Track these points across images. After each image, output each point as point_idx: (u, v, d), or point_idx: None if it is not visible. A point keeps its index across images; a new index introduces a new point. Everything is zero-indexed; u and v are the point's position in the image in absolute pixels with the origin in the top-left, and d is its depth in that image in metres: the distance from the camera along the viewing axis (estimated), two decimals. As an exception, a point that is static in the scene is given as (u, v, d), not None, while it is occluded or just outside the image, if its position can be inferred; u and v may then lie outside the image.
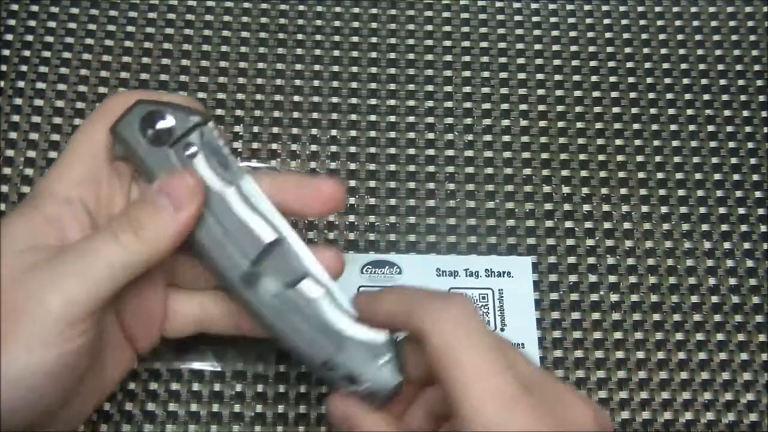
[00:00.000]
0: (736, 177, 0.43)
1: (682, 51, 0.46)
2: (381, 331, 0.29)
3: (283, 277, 0.30)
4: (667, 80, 0.45)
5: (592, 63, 0.45)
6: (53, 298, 0.26)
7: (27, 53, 0.43)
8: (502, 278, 0.40)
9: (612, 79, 0.45)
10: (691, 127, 0.44)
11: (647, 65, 0.45)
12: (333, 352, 0.29)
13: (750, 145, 0.44)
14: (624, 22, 0.46)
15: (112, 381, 0.32)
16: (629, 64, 0.45)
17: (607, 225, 0.42)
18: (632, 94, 0.45)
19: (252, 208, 0.30)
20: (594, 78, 0.45)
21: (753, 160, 0.43)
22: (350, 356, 0.29)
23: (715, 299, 0.41)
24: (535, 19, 0.46)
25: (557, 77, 0.45)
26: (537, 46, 0.45)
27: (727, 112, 0.44)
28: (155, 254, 0.28)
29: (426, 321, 0.26)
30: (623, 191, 0.42)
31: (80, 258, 0.27)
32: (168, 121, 0.29)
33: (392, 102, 0.44)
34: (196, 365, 0.37)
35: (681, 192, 0.42)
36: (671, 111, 0.44)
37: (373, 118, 0.43)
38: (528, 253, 0.41)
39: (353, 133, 0.43)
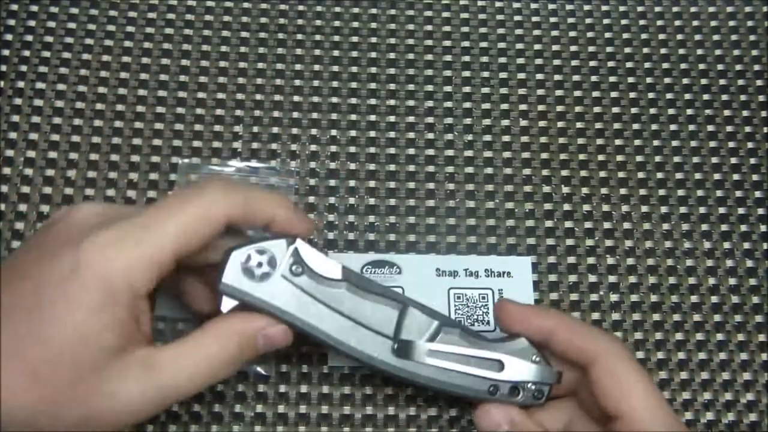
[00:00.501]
0: (735, 177, 0.43)
1: (681, 51, 0.46)
2: (516, 335, 0.33)
3: (425, 335, 0.33)
4: (667, 80, 0.45)
5: (592, 63, 0.45)
6: (120, 399, 0.28)
7: (27, 53, 0.43)
8: (501, 278, 0.40)
9: (611, 79, 0.45)
10: (691, 127, 0.44)
11: (647, 65, 0.45)
12: (496, 375, 0.33)
13: (750, 144, 0.44)
14: (623, 22, 0.46)
15: None
16: (629, 64, 0.45)
17: (606, 225, 0.42)
18: (632, 94, 0.45)
19: (365, 290, 0.33)
20: (593, 78, 0.45)
21: (753, 160, 0.43)
22: (512, 371, 0.33)
23: (714, 299, 0.41)
24: (534, 19, 0.46)
25: (557, 77, 0.45)
26: (536, 46, 0.45)
27: (726, 112, 0.44)
28: (228, 374, 0.31)
29: (599, 343, 0.32)
30: (623, 191, 0.42)
31: (170, 375, 0.29)
32: (266, 254, 0.31)
33: (392, 102, 0.44)
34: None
35: (681, 192, 0.42)
36: (671, 111, 0.44)
37: (372, 118, 0.43)
38: (528, 253, 0.41)
39: (353, 133, 0.43)
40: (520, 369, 0.33)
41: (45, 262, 0.27)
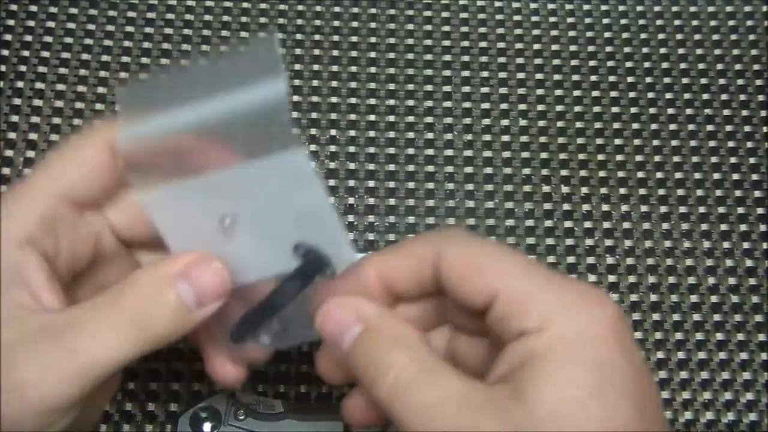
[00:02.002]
0: (735, 176, 0.43)
1: (681, 50, 0.46)
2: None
3: None
4: (666, 80, 0.45)
5: (591, 63, 0.45)
6: (35, 390, 0.23)
7: (26, 53, 0.43)
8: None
9: (611, 78, 0.45)
10: (691, 127, 0.44)
11: (646, 65, 0.45)
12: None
13: (749, 144, 0.44)
14: (623, 21, 0.46)
15: (102, 407, 0.32)
16: (628, 64, 0.45)
17: (606, 225, 0.42)
18: (631, 94, 0.45)
19: (306, 413, 0.35)
20: (593, 78, 0.45)
21: (752, 160, 0.43)
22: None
23: (714, 299, 0.40)
24: (534, 18, 0.46)
25: (556, 77, 0.45)
26: (536, 46, 0.45)
27: (726, 112, 0.44)
28: (159, 346, 0.24)
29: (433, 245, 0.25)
30: (622, 191, 0.42)
31: (67, 349, 0.23)
32: (209, 410, 0.34)
33: (391, 102, 0.44)
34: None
35: (680, 191, 0.42)
36: (670, 110, 0.44)
37: (372, 117, 0.43)
38: (527, 252, 0.41)
39: (352, 132, 0.43)
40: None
41: None
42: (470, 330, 0.26)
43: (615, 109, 0.44)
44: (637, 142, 0.43)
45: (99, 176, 0.26)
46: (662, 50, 0.46)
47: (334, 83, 0.44)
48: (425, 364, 0.23)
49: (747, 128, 0.44)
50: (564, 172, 0.43)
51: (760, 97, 0.45)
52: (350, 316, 0.24)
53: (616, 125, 0.44)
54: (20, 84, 0.42)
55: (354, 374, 0.24)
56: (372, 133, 0.43)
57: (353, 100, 0.43)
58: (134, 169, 0.25)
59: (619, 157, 0.43)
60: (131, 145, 0.25)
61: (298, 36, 0.45)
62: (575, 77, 0.45)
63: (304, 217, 0.25)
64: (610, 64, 0.45)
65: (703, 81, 0.45)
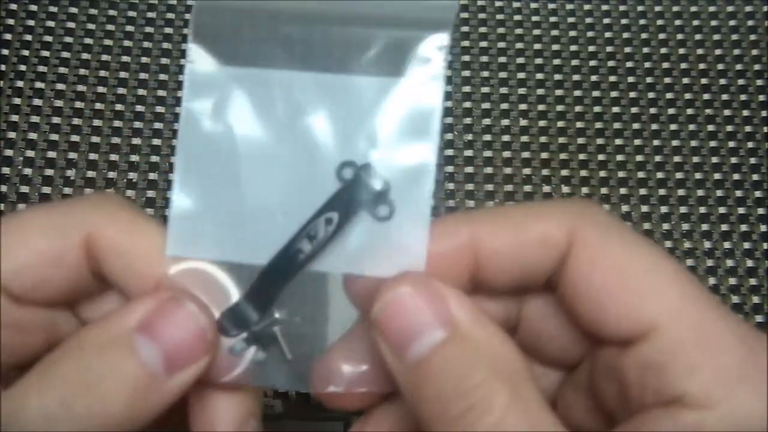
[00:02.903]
0: (735, 176, 0.43)
1: (681, 50, 0.46)
2: None
3: None
4: (667, 80, 0.45)
5: (592, 63, 0.45)
6: None
7: (26, 53, 0.43)
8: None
9: (611, 78, 0.45)
10: (691, 127, 0.44)
11: (647, 65, 0.45)
12: None
13: (750, 144, 0.44)
14: (623, 21, 0.46)
15: None
16: (629, 64, 0.45)
17: (606, 225, 0.42)
18: (632, 94, 0.44)
19: None
20: (593, 78, 0.45)
21: (753, 160, 0.43)
22: None
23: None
24: (534, 18, 0.46)
25: (557, 77, 0.45)
26: (536, 46, 0.45)
27: (726, 112, 0.44)
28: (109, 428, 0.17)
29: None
30: (623, 191, 0.42)
31: None
32: None
33: (391, 101, 0.43)
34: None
35: (681, 191, 0.42)
36: (671, 110, 0.44)
37: (372, 117, 0.43)
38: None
39: (352, 132, 0.43)
40: None
41: None
42: (548, 357, 0.19)
43: (615, 109, 0.44)
44: (637, 142, 0.43)
45: (57, 276, 0.18)
46: (663, 50, 0.46)
47: (335, 83, 0.44)
48: (534, 416, 0.16)
49: (748, 128, 0.44)
50: (564, 172, 0.43)
51: (761, 98, 0.45)
52: (433, 311, 0.16)
53: (616, 125, 0.44)
54: (20, 83, 0.42)
55: (412, 402, 0.17)
56: (372, 133, 0.43)
57: (353, 100, 0.43)
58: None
59: (619, 157, 0.43)
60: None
61: (299, 35, 0.45)
62: (576, 77, 0.45)
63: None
64: (610, 64, 0.45)
65: (704, 81, 0.45)
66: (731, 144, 0.44)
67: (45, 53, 0.43)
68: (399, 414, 0.19)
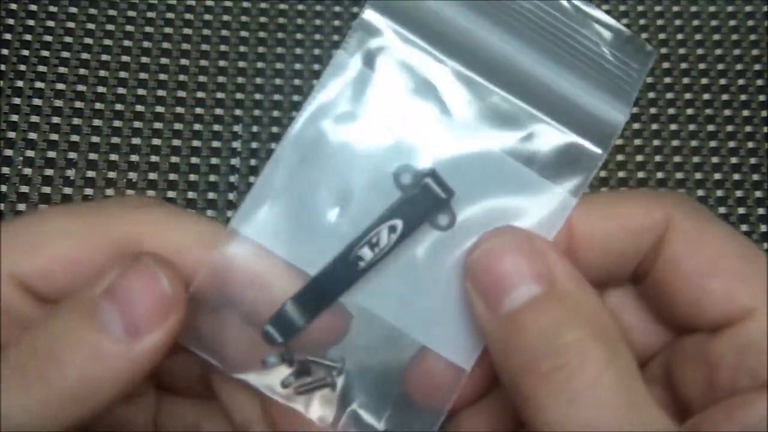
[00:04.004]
0: (736, 177, 0.43)
1: (681, 50, 0.46)
2: None
3: None
4: (667, 80, 0.45)
5: (592, 62, 0.45)
6: None
7: (26, 53, 0.43)
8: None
9: (612, 78, 0.45)
10: (691, 127, 0.44)
11: (647, 65, 0.45)
12: None
13: (750, 144, 0.44)
14: (623, 21, 0.46)
15: None
16: (629, 64, 0.45)
17: (606, 225, 0.42)
18: (632, 94, 0.44)
19: None
20: (594, 77, 0.45)
21: (753, 160, 0.43)
22: None
23: (715, 299, 0.40)
24: (534, 18, 0.46)
25: (557, 77, 0.45)
26: (536, 46, 0.45)
27: (727, 112, 0.44)
28: (90, 408, 0.16)
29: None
30: (623, 191, 0.42)
31: None
32: None
33: (391, 101, 0.43)
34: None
35: (681, 192, 0.42)
36: (671, 110, 0.44)
37: (372, 117, 0.43)
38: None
39: (352, 132, 0.43)
40: None
41: None
42: (648, 339, 0.19)
43: (615, 109, 0.44)
44: (637, 142, 0.43)
45: (81, 276, 0.18)
46: (663, 50, 0.46)
47: (335, 83, 0.44)
48: (631, 384, 0.15)
49: (748, 128, 0.44)
50: (564, 172, 0.42)
51: (761, 98, 0.45)
52: (532, 265, 0.16)
53: (616, 125, 0.44)
54: (20, 83, 0.42)
55: (501, 357, 0.16)
56: (372, 133, 0.43)
57: (353, 100, 0.43)
58: None
59: (619, 157, 0.43)
60: None
61: (298, 35, 0.45)
62: (576, 77, 0.45)
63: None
64: (610, 64, 0.45)
65: (704, 81, 0.45)
66: (731, 144, 0.44)
67: (45, 53, 0.43)
68: (490, 413, 0.18)
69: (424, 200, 0.16)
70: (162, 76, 0.43)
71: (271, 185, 0.17)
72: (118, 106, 0.42)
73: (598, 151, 0.18)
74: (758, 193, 0.43)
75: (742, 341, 0.16)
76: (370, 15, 0.17)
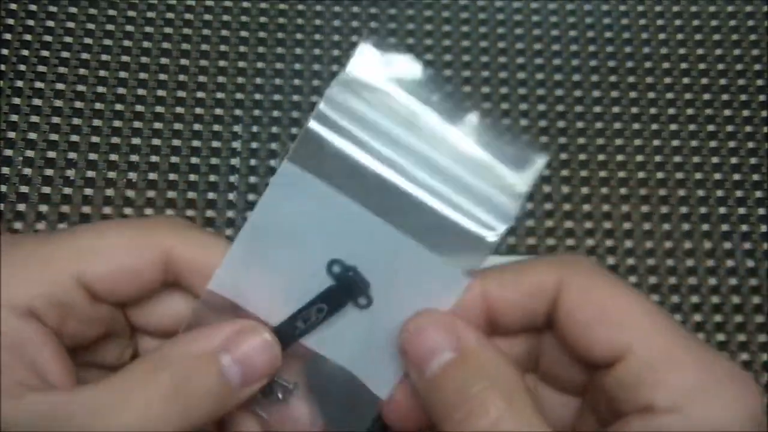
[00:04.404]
0: (736, 177, 0.43)
1: (682, 51, 0.46)
2: None
3: None
4: (667, 80, 0.45)
5: (592, 63, 0.45)
6: None
7: (26, 53, 0.43)
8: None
9: (612, 78, 0.45)
10: (691, 127, 0.44)
11: (647, 65, 0.45)
12: None
13: (750, 144, 0.44)
14: (623, 21, 0.46)
15: None
16: (629, 64, 0.45)
17: (606, 225, 0.42)
18: (632, 94, 0.44)
19: None
20: (594, 78, 0.45)
21: (753, 160, 0.43)
22: None
23: (715, 299, 0.40)
24: (534, 18, 0.46)
25: (557, 77, 0.45)
26: (537, 46, 0.45)
27: (727, 112, 0.44)
28: (194, 429, 0.21)
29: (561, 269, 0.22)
30: (623, 191, 0.42)
31: (96, 428, 0.20)
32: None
33: (391, 102, 0.43)
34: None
35: (681, 192, 0.42)
36: (671, 111, 0.44)
37: (372, 117, 0.43)
38: (528, 253, 0.41)
39: (352, 132, 0.43)
40: None
41: None
42: (562, 384, 0.23)
43: (616, 109, 0.44)
44: (637, 142, 0.43)
45: (133, 282, 0.22)
46: (663, 50, 0.46)
47: (335, 83, 0.44)
48: (527, 420, 0.19)
49: (748, 128, 0.44)
50: (564, 172, 0.42)
51: (761, 98, 0.45)
52: (445, 338, 0.21)
53: (616, 125, 0.44)
54: (20, 83, 0.42)
55: (430, 410, 0.21)
56: (372, 133, 0.43)
57: (353, 100, 0.43)
58: None
59: (619, 158, 0.43)
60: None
61: (298, 36, 0.45)
62: (576, 77, 0.45)
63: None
64: (610, 64, 0.45)
65: (704, 81, 0.45)
66: (731, 144, 0.44)
67: (45, 53, 0.43)
68: None
69: (347, 287, 0.22)
70: (162, 76, 0.43)
71: (239, 260, 0.22)
72: (118, 106, 0.42)
73: (492, 239, 0.22)
74: (758, 193, 0.43)
75: (622, 376, 0.20)
76: (316, 127, 0.21)
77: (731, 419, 0.18)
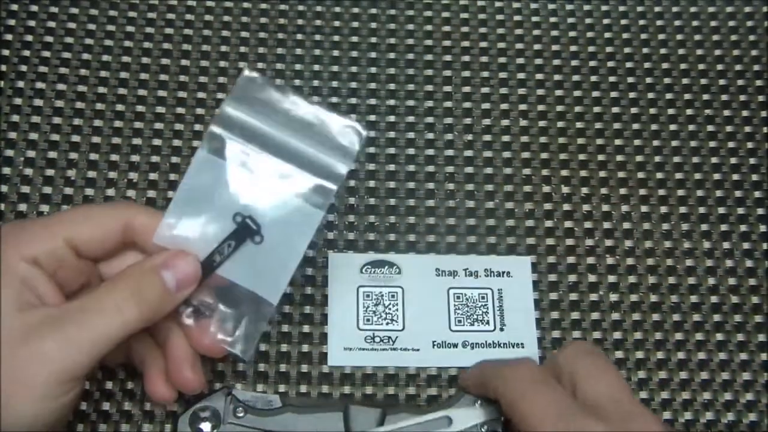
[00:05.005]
0: (735, 177, 0.43)
1: (681, 51, 0.46)
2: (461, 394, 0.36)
3: (373, 424, 0.35)
4: (667, 80, 0.45)
5: (592, 63, 0.45)
6: (57, 359, 0.28)
7: (27, 53, 0.43)
8: (501, 278, 0.40)
9: (611, 79, 0.45)
10: (691, 127, 0.44)
11: (646, 65, 0.45)
12: (447, 429, 0.34)
13: (749, 145, 0.44)
14: (623, 22, 0.46)
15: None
16: (628, 64, 0.45)
17: (606, 225, 0.42)
18: (631, 94, 0.45)
19: (306, 407, 0.36)
20: (593, 78, 0.45)
21: (752, 160, 0.43)
22: (459, 420, 0.35)
23: (714, 299, 0.40)
24: (534, 19, 0.46)
25: (556, 77, 0.45)
26: (536, 46, 0.45)
27: (726, 112, 0.44)
28: (148, 323, 0.30)
29: (499, 385, 0.32)
30: (622, 191, 0.42)
31: (82, 324, 0.29)
32: (209, 410, 0.35)
33: (391, 102, 0.44)
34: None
35: (680, 192, 0.42)
36: (670, 111, 0.44)
37: (372, 118, 0.43)
38: (527, 253, 0.41)
39: (353, 133, 0.43)
40: (466, 415, 0.34)
41: None
42: None
43: (615, 110, 0.44)
44: (637, 142, 0.43)
45: (105, 243, 0.32)
46: (662, 51, 0.46)
47: (335, 83, 0.44)
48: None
49: (747, 129, 0.44)
50: (564, 173, 0.43)
51: (761, 98, 0.45)
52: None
53: (616, 126, 0.44)
54: (21, 84, 0.42)
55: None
56: (372, 133, 0.43)
57: (354, 101, 0.43)
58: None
59: (619, 158, 0.43)
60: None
61: (299, 36, 0.45)
62: (575, 77, 0.45)
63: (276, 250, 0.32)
64: (610, 64, 0.45)
65: (704, 81, 0.45)
66: (731, 144, 0.44)
67: (46, 53, 0.43)
68: None
69: (245, 230, 0.32)
70: (163, 77, 0.43)
71: (173, 219, 0.32)
72: (119, 107, 0.42)
73: (333, 187, 0.32)
74: (757, 194, 0.43)
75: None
76: (216, 129, 0.32)
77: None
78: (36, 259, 0.30)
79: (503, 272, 0.40)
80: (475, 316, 0.39)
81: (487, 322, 0.39)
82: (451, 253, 0.40)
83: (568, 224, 0.42)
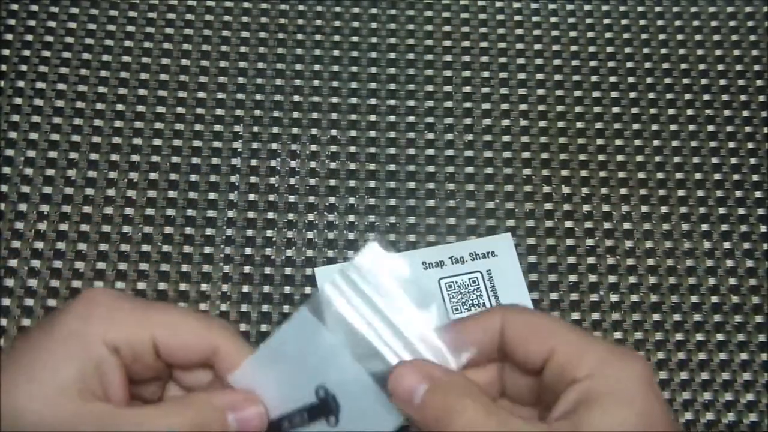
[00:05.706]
0: (735, 177, 0.43)
1: (682, 51, 0.46)
2: None
3: None
4: (667, 80, 0.45)
5: (592, 63, 0.45)
6: None
7: (27, 53, 0.43)
8: (487, 259, 0.40)
9: (612, 79, 0.45)
10: (691, 127, 0.44)
11: (647, 65, 0.45)
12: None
13: (750, 145, 0.44)
14: (624, 22, 0.46)
15: None
16: (629, 64, 0.45)
17: (606, 225, 0.42)
18: (632, 94, 0.45)
19: None
20: (594, 78, 0.45)
21: (753, 160, 0.43)
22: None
23: (714, 299, 0.40)
24: (534, 19, 0.46)
25: (557, 77, 0.45)
26: (537, 46, 0.45)
27: (727, 112, 0.44)
28: None
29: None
30: (623, 191, 0.42)
31: None
32: None
33: (392, 102, 0.44)
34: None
35: (681, 192, 0.42)
36: (671, 111, 0.44)
37: (372, 118, 0.43)
38: (528, 253, 0.41)
39: (353, 133, 0.43)
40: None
41: (45, 327, 0.30)
42: (523, 399, 0.30)
43: (616, 110, 0.44)
44: (637, 142, 0.43)
45: (187, 359, 0.31)
46: (663, 51, 0.46)
47: (335, 83, 0.44)
48: (492, 409, 0.27)
49: (748, 129, 0.44)
50: (565, 173, 0.43)
51: (761, 98, 0.45)
52: (417, 377, 0.28)
53: (616, 126, 0.44)
54: (21, 83, 0.42)
55: (422, 427, 0.28)
56: (373, 134, 0.43)
57: (354, 101, 0.43)
58: None
59: (619, 158, 0.43)
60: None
61: (299, 36, 0.45)
62: (576, 78, 0.45)
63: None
64: (611, 64, 0.45)
65: (704, 82, 0.45)
66: (731, 144, 0.44)
67: (46, 53, 0.43)
68: None
69: (324, 407, 0.30)
70: (163, 77, 0.43)
71: (253, 368, 0.30)
72: (119, 107, 0.42)
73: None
74: (758, 194, 0.43)
75: (552, 368, 0.28)
76: (303, 313, 0.30)
77: (628, 378, 0.26)
78: (117, 348, 0.29)
79: (488, 253, 0.40)
80: (470, 301, 0.39)
81: (483, 304, 0.39)
82: (432, 245, 0.40)
83: (568, 224, 0.42)
